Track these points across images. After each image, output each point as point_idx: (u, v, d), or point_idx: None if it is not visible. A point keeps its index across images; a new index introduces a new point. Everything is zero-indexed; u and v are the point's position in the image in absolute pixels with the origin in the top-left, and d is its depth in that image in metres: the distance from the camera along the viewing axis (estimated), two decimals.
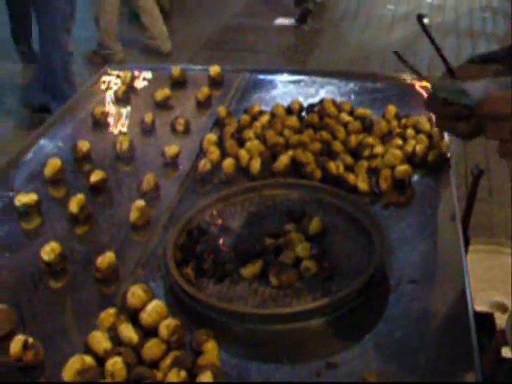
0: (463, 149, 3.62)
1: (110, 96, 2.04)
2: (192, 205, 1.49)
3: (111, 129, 1.88)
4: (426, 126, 1.71)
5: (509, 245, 2.36)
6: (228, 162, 1.60)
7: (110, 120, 1.90)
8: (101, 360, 1.08)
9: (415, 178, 1.58)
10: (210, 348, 1.10)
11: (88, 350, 1.10)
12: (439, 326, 1.19)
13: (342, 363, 1.11)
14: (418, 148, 1.62)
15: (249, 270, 1.28)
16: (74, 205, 1.45)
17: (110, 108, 1.96)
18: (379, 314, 1.22)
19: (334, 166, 1.57)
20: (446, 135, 1.71)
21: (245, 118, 1.80)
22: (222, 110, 1.84)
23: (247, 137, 1.70)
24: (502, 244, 2.35)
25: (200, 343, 1.10)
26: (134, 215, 1.44)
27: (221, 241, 1.37)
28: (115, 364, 1.05)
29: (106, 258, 1.29)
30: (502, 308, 2.06)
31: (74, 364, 1.05)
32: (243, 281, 1.28)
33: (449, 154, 1.64)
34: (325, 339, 1.17)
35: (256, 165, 1.59)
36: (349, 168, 1.58)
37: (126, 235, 1.43)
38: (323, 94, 2.02)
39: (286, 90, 2.06)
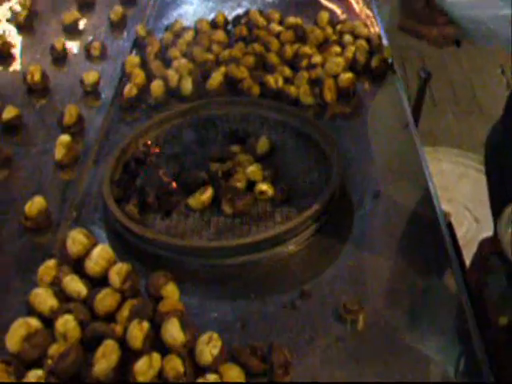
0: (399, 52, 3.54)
1: (10, 24, 1.81)
2: (122, 135, 1.34)
3: (18, 60, 1.67)
4: (364, 30, 1.60)
5: (445, 151, 2.32)
6: (156, 85, 1.44)
7: (15, 51, 1.69)
8: (48, 321, 0.94)
9: (359, 86, 1.47)
10: (170, 291, 0.98)
11: (31, 312, 0.96)
12: (411, 240, 1.11)
13: (316, 291, 1.02)
14: (359, 54, 1.51)
15: (197, 200, 1.16)
16: None
17: (13, 37, 1.74)
18: (346, 234, 1.12)
19: (273, 80, 1.44)
20: (384, 39, 1.61)
21: (167, 36, 1.63)
22: (140, 29, 1.66)
23: (173, 56, 1.54)
24: (438, 151, 2.31)
25: (158, 287, 0.98)
26: (59, 153, 1.27)
27: (162, 171, 1.23)
28: (66, 323, 0.91)
29: (35, 204, 1.14)
30: (445, 215, 2.03)
31: (18, 330, 0.90)
32: (193, 212, 1.16)
33: (391, 59, 1.53)
34: (293, 267, 1.07)
35: (187, 85, 1.44)
36: (288, 80, 1.46)
37: (53, 176, 1.27)
38: (246, 4, 1.87)
39: (206, 3, 1.89)
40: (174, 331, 0.89)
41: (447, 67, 3.60)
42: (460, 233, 2.06)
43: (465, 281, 1.03)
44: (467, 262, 1.12)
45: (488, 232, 1.09)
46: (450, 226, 1.17)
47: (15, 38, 1.74)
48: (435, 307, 0.99)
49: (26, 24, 1.79)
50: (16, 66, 1.64)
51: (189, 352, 0.89)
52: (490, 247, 1.01)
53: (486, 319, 0.97)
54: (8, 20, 1.83)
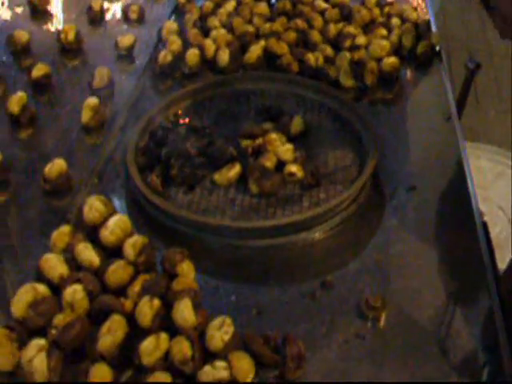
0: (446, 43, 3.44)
1: None
2: (153, 102, 1.30)
3: (53, 17, 1.63)
4: (413, 14, 1.53)
5: (485, 148, 2.24)
6: (192, 53, 1.39)
7: (52, 7, 1.65)
8: (56, 288, 0.90)
9: (403, 72, 1.41)
10: (186, 269, 0.93)
11: (40, 277, 0.92)
12: (443, 238, 1.05)
13: (339, 282, 0.96)
14: (405, 39, 1.44)
15: (224, 176, 1.11)
16: (14, 104, 1.23)
17: None
18: (376, 226, 1.06)
19: (313, 58, 1.38)
20: (433, 25, 1.54)
21: (208, 4, 1.58)
22: None
23: (212, 25, 1.49)
24: (477, 147, 2.23)
25: (174, 264, 0.93)
26: (86, 115, 1.23)
27: (189, 143, 1.17)
28: (74, 293, 0.87)
29: (56, 166, 1.10)
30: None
31: (25, 295, 0.87)
32: (218, 189, 1.11)
33: (438, 47, 1.46)
34: (317, 255, 1.02)
35: (224, 56, 1.38)
36: (329, 60, 1.39)
37: (77, 139, 1.23)
38: None
39: None
40: (185, 312, 0.84)
41: (493, 62, 3.49)
42: (493, 233, 1.99)
43: (497, 286, 0.97)
44: (499, 263, 1.06)
45: None
46: (484, 226, 1.11)
47: None
48: (463, 312, 0.93)
49: None
50: (52, 23, 1.60)
51: (199, 335, 0.85)
52: None
53: None
54: None
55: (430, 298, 0.94)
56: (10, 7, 1.66)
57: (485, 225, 1.11)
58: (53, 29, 1.55)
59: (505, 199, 2.12)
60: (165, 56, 1.38)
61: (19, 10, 1.64)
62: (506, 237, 2.01)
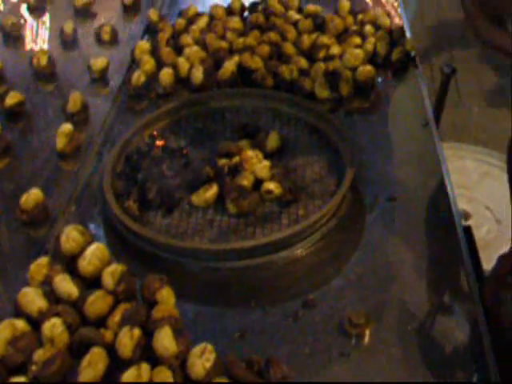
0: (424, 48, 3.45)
1: (21, 5, 1.76)
2: (128, 125, 1.29)
3: (26, 43, 1.61)
4: (386, 21, 1.52)
5: (468, 149, 2.23)
6: (165, 73, 1.38)
7: (24, 32, 1.64)
8: (36, 323, 0.89)
9: (379, 80, 1.40)
10: (166, 296, 0.92)
11: (19, 312, 0.91)
12: (426, 247, 1.04)
13: (321, 300, 0.95)
14: (380, 46, 1.44)
15: (201, 197, 1.10)
16: None
17: (23, 18, 1.69)
18: (357, 240, 1.06)
19: (288, 71, 1.37)
20: (407, 31, 1.53)
21: (180, 21, 1.57)
22: (153, 14, 1.60)
23: (185, 43, 1.48)
24: (460, 148, 2.23)
25: (153, 291, 0.92)
26: (60, 142, 1.22)
27: (165, 165, 1.17)
28: (54, 327, 0.86)
29: (32, 196, 1.09)
30: (464, 216, 1.95)
31: (3, 332, 0.85)
32: (196, 210, 1.10)
33: (413, 52, 1.45)
34: (298, 273, 1.01)
35: (198, 74, 1.38)
36: (304, 72, 1.39)
37: (53, 166, 1.21)
38: None
39: None
40: (165, 341, 0.83)
41: (473, 59, 3.49)
42: (480, 234, 1.98)
43: (481, 291, 0.96)
44: (485, 264, 1.05)
45: (510, 234, 1.02)
46: (468, 230, 1.10)
47: (25, 20, 1.69)
48: (448, 322, 0.93)
49: (37, 5, 1.73)
50: (24, 48, 1.59)
51: (181, 363, 0.84)
52: (508, 263, 0.94)
53: (501, 337, 0.91)
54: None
55: (414, 310, 0.94)
56: None
57: (468, 228, 1.10)
58: (26, 54, 1.54)
59: (491, 199, 2.12)
60: (138, 77, 1.37)
61: None
62: (494, 237, 2.01)
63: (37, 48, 1.52)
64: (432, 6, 3.77)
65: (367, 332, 0.90)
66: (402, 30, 1.51)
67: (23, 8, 1.74)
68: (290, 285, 0.99)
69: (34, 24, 1.68)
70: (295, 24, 1.53)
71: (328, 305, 0.95)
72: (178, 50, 1.47)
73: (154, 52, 1.47)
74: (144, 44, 1.48)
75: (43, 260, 0.96)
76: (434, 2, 3.82)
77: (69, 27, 1.58)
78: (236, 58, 1.41)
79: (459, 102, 3.14)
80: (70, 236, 0.99)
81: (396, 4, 1.70)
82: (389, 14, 1.57)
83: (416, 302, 0.95)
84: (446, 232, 1.07)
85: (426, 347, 0.89)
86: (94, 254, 0.96)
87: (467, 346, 0.89)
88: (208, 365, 0.82)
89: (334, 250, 1.04)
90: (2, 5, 1.76)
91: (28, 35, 1.63)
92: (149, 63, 1.41)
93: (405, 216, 1.10)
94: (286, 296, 0.97)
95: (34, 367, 0.83)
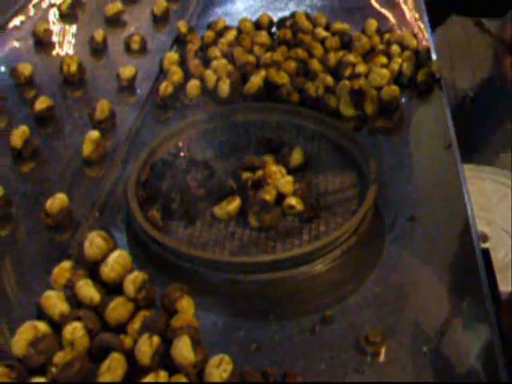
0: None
1: (53, 11, 1.79)
2: (154, 134, 1.31)
3: (56, 49, 1.64)
4: (413, 41, 1.53)
5: (488, 170, 2.23)
6: (193, 84, 1.40)
7: (55, 39, 1.67)
8: (57, 326, 0.90)
9: (403, 100, 1.41)
10: (185, 306, 0.93)
11: (41, 315, 0.92)
12: (444, 269, 1.04)
13: (339, 317, 0.96)
14: (406, 66, 1.45)
15: (223, 210, 1.11)
16: (16, 138, 1.25)
17: (54, 25, 1.72)
18: (376, 258, 1.06)
19: (313, 88, 1.38)
20: (433, 53, 1.54)
21: (209, 34, 1.59)
22: (182, 26, 1.62)
23: (213, 55, 1.50)
24: (478, 170, 2.22)
25: (173, 301, 0.93)
26: (87, 148, 1.24)
27: (189, 176, 1.18)
28: (74, 331, 0.87)
29: (57, 201, 1.10)
30: (482, 238, 1.95)
31: (25, 333, 0.87)
32: (218, 222, 1.11)
33: (439, 74, 1.46)
34: (316, 289, 1.02)
35: (225, 87, 1.39)
36: (329, 89, 1.40)
37: (78, 172, 1.24)
38: (293, 6, 1.82)
39: (251, 2, 1.84)
40: (184, 350, 0.84)
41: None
42: (498, 256, 1.98)
43: (497, 317, 0.96)
44: (502, 287, 1.05)
45: None
46: (486, 253, 1.10)
47: (57, 26, 1.72)
48: (463, 345, 0.93)
49: (68, 13, 1.76)
50: (54, 55, 1.62)
51: (198, 373, 0.85)
52: None
53: None
54: (52, 6, 1.80)
55: (430, 331, 0.94)
56: (14, 39, 1.67)
57: (486, 251, 1.11)
58: (56, 60, 1.56)
59: (509, 222, 2.11)
60: (166, 87, 1.40)
61: (23, 42, 1.66)
62: (511, 260, 2.00)
63: (67, 55, 1.54)
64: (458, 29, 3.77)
65: (383, 350, 0.91)
66: (428, 51, 1.52)
67: (55, 14, 1.77)
68: (308, 300, 1.00)
69: (65, 31, 1.71)
70: (322, 41, 1.55)
71: (345, 321, 0.95)
72: (206, 62, 1.49)
73: (182, 63, 1.49)
74: (173, 55, 1.50)
75: (66, 264, 0.98)
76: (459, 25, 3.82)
77: (99, 35, 1.60)
78: (263, 73, 1.42)
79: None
80: (93, 242, 1.00)
81: (423, 26, 1.71)
82: (415, 35, 1.58)
83: (432, 322, 0.95)
84: (464, 254, 1.07)
85: (441, 368, 0.89)
86: (117, 261, 0.97)
87: (482, 369, 0.90)
88: (225, 375, 0.83)
89: (353, 268, 1.05)
90: (33, 10, 1.79)
91: (59, 42, 1.66)
92: (177, 74, 1.43)
93: (424, 236, 1.10)
94: (303, 311, 0.98)
95: (53, 369, 0.85)
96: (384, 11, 1.76)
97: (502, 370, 0.89)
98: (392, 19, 1.72)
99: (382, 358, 0.90)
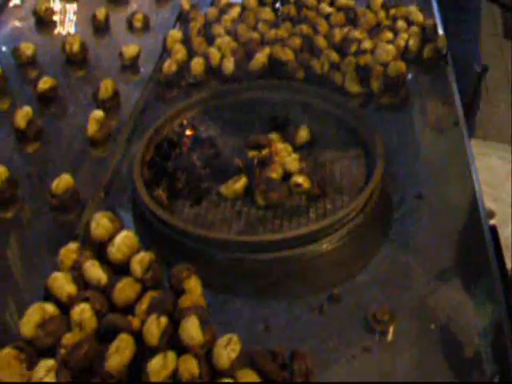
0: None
1: None
2: (158, 113, 1.29)
3: (58, 28, 1.63)
4: (419, 16, 1.52)
5: (492, 146, 2.22)
6: (197, 62, 1.39)
7: (57, 18, 1.65)
8: (65, 307, 0.90)
9: (409, 76, 1.40)
10: (193, 286, 0.93)
11: (48, 296, 0.92)
12: (452, 246, 1.04)
13: (346, 295, 0.96)
14: (412, 42, 1.44)
15: (230, 189, 1.10)
16: (20, 119, 1.24)
17: (56, 3, 1.70)
18: (383, 236, 1.06)
19: (319, 64, 1.37)
20: (439, 28, 1.52)
21: (212, 11, 1.57)
22: (185, 3, 1.61)
23: (216, 33, 1.49)
24: (486, 146, 2.21)
25: (180, 281, 0.93)
26: (91, 128, 1.23)
27: (195, 155, 1.18)
28: (82, 312, 0.87)
29: (63, 181, 1.10)
30: (489, 214, 1.94)
31: (33, 315, 0.87)
32: (224, 201, 1.11)
33: (445, 49, 1.45)
34: (324, 268, 1.02)
35: (229, 64, 1.38)
36: (334, 66, 1.39)
37: (83, 152, 1.23)
38: None
39: None
40: (192, 330, 0.84)
41: (503, 55, 3.46)
42: (505, 233, 1.97)
43: (506, 292, 0.96)
44: (509, 264, 1.05)
45: None
46: (493, 230, 1.10)
47: (58, 5, 1.70)
48: (471, 322, 0.92)
49: None
50: (56, 34, 1.60)
51: (206, 353, 0.85)
52: None
53: None
54: None
55: (438, 309, 0.94)
56: (16, 18, 1.66)
57: (494, 228, 1.10)
58: (58, 40, 1.55)
59: None
60: (169, 65, 1.38)
61: (25, 21, 1.64)
62: None
63: (69, 34, 1.52)
64: None
65: (391, 329, 0.91)
66: (434, 26, 1.50)
67: None
68: (315, 279, 1.00)
69: (67, 9, 1.69)
70: (327, 17, 1.53)
71: (353, 300, 0.95)
72: (210, 39, 1.48)
73: (186, 41, 1.48)
74: (176, 33, 1.48)
75: (73, 245, 0.98)
76: None
77: (101, 13, 1.59)
78: (267, 50, 1.41)
79: (486, 97, 3.12)
80: (100, 223, 1.00)
81: (429, 0, 1.69)
82: (421, 10, 1.56)
83: (440, 300, 0.95)
84: (472, 231, 1.07)
85: (449, 346, 0.89)
86: (123, 241, 0.97)
87: (490, 347, 0.89)
88: (233, 355, 0.83)
89: (360, 246, 1.04)
90: None
91: (60, 20, 1.65)
92: (180, 52, 1.42)
93: (431, 214, 1.10)
94: (311, 290, 0.98)
95: (62, 350, 0.85)
96: None
97: (511, 346, 0.88)
98: None
99: (390, 336, 0.90)
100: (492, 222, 1.16)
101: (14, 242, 1.07)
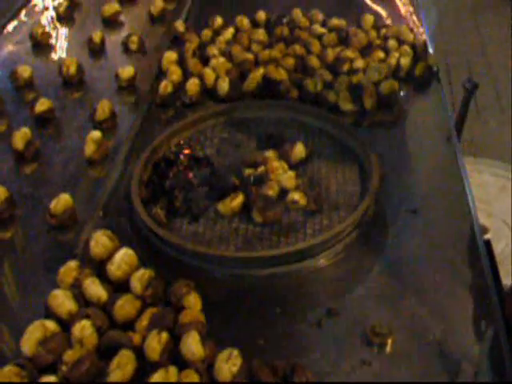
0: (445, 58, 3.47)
1: (50, 14, 1.80)
2: (155, 133, 1.31)
3: (55, 51, 1.65)
4: (409, 35, 1.55)
5: (484, 162, 2.24)
6: (192, 83, 1.41)
7: (53, 41, 1.67)
8: (65, 325, 0.91)
9: (401, 94, 1.42)
10: (192, 302, 0.94)
11: (49, 314, 0.93)
12: (447, 260, 1.05)
13: (344, 309, 0.97)
14: (403, 61, 1.46)
15: (227, 206, 1.12)
16: (18, 140, 1.25)
17: (52, 27, 1.72)
18: (379, 251, 1.07)
19: (312, 84, 1.39)
20: (430, 46, 1.55)
21: (206, 32, 1.60)
22: (179, 25, 1.63)
23: (211, 54, 1.51)
24: (478, 162, 2.23)
25: (179, 297, 0.94)
26: (89, 148, 1.24)
27: (192, 174, 1.19)
28: (83, 329, 0.88)
29: (61, 201, 1.11)
30: (483, 230, 1.95)
31: (34, 332, 0.88)
32: (221, 219, 1.12)
33: (436, 67, 1.47)
34: (321, 282, 1.03)
35: (224, 84, 1.40)
36: (328, 85, 1.41)
37: (81, 172, 1.24)
38: (288, 2, 1.82)
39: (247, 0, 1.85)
40: (193, 345, 0.85)
41: (493, 74, 3.51)
42: (498, 248, 1.99)
43: (501, 305, 0.97)
44: (504, 279, 1.06)
45: None
46: (488, 244, 1.11)
47: (54, 28, 1.72)
48: (469, 335, 0.94)
49: (66, 14, 1.76)
50: (53, 56, 1.62)
51: (207, 367, 0.86)
52: None
53: None
54: (48, 9, 1.80)
55: (435, 322, 0.95)
56: (12, 42, 1.67)
57: (488, 243, 1.11)
58: (55, 62, 1.57)
59: (508, 214, 2.12)
60: (165, 86, 1.40)
61: (21, 45, 1.66)
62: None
63: (66, 56, 1.54)
64: (452, 22, 3.79)
65: (389, 341, 0.92)
66: (425, 45, 1.53)
67: (52, 17, 1.77)
68: (313, 293, 1.01)
69: (63, 33, 1.71)
70: (319, 37, 1.56)
71: (351, 314, 0.96)
72: (205, 60, 1.50)
73: (181, 62, 1.49)
74: (171, 54, 1.50)
75: (72, 263, 0.99)
76: (454, 18, 3.84)
77: (97, 36, 1.61)
78: (261, 70, 1.43)
79: (477, 116, 3.15)
80: (99, 241, 1.01)
81: (417, 20, 1.72)
82: (412, 30, 1.59)
83: (437, 313, 0.96)
84: (467, 245, 1.08)
85: (447, 359, 0.90)
86: (123, 259, 0.98)
87: (488, 359, 0.90)
88: (234, 369, 0.83)
89: (356, 261, 1.06)
90: (29, 13, 1.79)
91: (57, 44, 1.66)
92: (176, 73, 1.44)
93: (426, 228, 1.11)
94: (309, 304, 0.99)
95: (63, 367, 0.85)
96: (378, 6, 1.76)
97: (508, 359, 0.89)
98: (387, 13, 1.72)
99: (388, 349, 0.91)
100: (486, 237, 1.17)
101: (13, 261, 1.07)
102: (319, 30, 1.59)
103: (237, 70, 1.45)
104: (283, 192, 1.14)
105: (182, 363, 0.86)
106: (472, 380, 0.87)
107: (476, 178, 2.21)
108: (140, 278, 0.95)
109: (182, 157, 1.23)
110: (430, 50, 1.54)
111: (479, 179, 2.22)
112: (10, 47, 1.66)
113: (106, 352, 0.88)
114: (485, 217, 2.00)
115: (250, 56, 1.49)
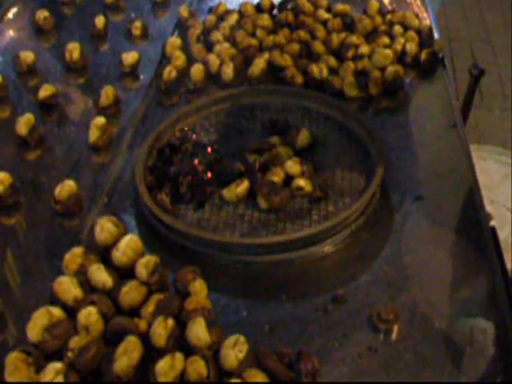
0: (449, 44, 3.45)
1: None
2: (159, 119, 1.30)
3: (57, 37, 1.64)
4: (415, 21, 1.53)
5: (488, 149, 2.23)
6: (196, 69, 1.40)
7: (56, 27, 1.66)
8: (71, 311, 0.91)
9: (407, 80, 1.41)
10: (198, 288, 0.94)
11: (54, 300, 0.93)
12: (452, 245, 1.05)
13: (350, 296, 0.97)
14: (409, 46, 1.45)
15: (232, 192, 1.11)
16: (22, 126, 1.25)
17: (54, 12, 1.71)
18: (384, 238, 1.07)
19: (317, 69, 1.38)
20: (435, 32, 1.54)
21: (210, 18, 1.59)
22: (183, 10, 1.62)
23: (215, 39, 1.50)
24: (482, 149, 2.23)
25: (185, 283, 0.94)
26: (93, 134, 1.24)
27: (196, 160, 1.19)
28: (89, 315, 0.88)
29: (66, 187, 1.11)
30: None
31: (40, 319, 0.87)
32: (227, 205, 1.12)
33: (441, 53, 1.46)
34: (327, 269, 1.03)
35: (228, 70, 1.39)
36: (333, 71, 1.40)
37: (86, 158, 1.24)
38: None
39: None
40: (199, 331, 0.85)
41: (497, 61, 3.49)
42: (502, 235, 1.98)
43: (507, 291, 0.97)
44: (508, 265, 1.06)
45: None
46: (493, 231, 1.11)
47: (56, 13, 1.70)
48: (475, 322, 0.93)
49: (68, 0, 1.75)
50: (55, 42, 1.61)
51: (213, 354, 0.85)
52: None
53: None
54: None
55: (442, 309, 0.95)
56: (14, 28, 1.67)
57: (493, 230, 1.11)
58: (57, 48, 1.56)
59: None
60: (169, 72, 1.39)
61: (24, 30, 1.65)
62: None
63: (69, 42, 1.53)
64: (456, 8, 3.77)
65: (395, 328, 0.91)
66: (430, 30, 1.51)
67: (54, 2, 1.76)
68: (319, 280, 1.00)
69: (65, 18, 1.70)
70: (324, 23, 1.55)
71: (357, 300, 0.96)
72: (209, 46, 1.49)
73: (185, 48, 1.49)
74: (175, 40, 1.49)
75: (78, 250, 0.98)
76: (458, 4, 3.82)
77: (100, 21, 1.60)
78: (266, 56, 1.42)
79: (481, 103, 3.14)
80: (104, 227, 1.00)
81: (422, 4, 1.70)
82: (417, 15, 1.58)
83: (443, 300, 0.96)
84: (472, 232, 1.08)
85: (453, 346, 0.90)
86: (128, 245, 0.98)
87: (493, 346, 0.90)
88: (241, 356, 0.83)
89: (362, 247, 1.05)
90: None
91: (59, 29, 1.65)
92: (180, 59, 1.43)
93: (432, 215, 1.11)
94: (315, 291, 0.98)
95: (69, 354, 0.85)
96: None
97: None
98: None
99: (394, 335, 0.91)
100: (490, 224, 1.17)
101: (18, 247, 1.07)
102: (324, 15, 1.57)
103: (241, 56, 1.44)
104: (288, 178, 1.13)
105: (188, 349, 0.85)
106: (477, 366, 0.87)
107: (479, 164, 2.21)
108: (145, 265, 0.95)
109: (186, 143, 1.22)
110: (436, 36, 1.53)
111: (483, 166, 2.22)
112: (12, 33, 1.66)
113: (111, 338, 0.88)
114: (488, 204, 1.99)
115: (254, 42, 1.48)
